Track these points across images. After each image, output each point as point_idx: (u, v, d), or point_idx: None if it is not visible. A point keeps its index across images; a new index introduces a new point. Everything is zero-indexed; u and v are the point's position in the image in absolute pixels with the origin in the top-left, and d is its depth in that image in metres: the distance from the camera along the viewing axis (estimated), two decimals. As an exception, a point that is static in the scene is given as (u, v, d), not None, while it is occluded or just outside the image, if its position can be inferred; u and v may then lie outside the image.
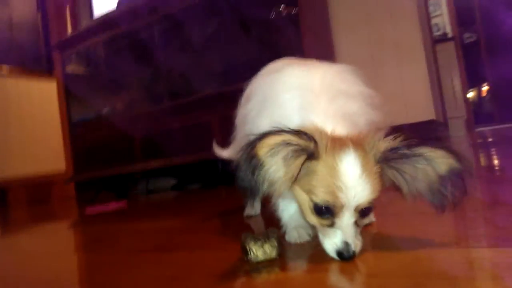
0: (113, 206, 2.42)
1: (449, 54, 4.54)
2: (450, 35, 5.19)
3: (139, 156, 3.21)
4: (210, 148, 1.31)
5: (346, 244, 0.63)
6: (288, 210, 0.85)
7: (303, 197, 0.68)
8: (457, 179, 0.62)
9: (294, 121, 0.71)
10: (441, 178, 0.63)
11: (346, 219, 0.64)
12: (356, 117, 0.73)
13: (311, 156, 0.63)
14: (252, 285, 0.63)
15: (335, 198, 0.62)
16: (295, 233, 0.80)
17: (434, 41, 3.95)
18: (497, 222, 0.79)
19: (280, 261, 0.71)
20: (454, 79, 4.50)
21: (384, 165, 0.65)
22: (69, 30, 4.04)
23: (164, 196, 2.90)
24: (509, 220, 0.78)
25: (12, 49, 4.75)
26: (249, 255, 0.71)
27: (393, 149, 0.64)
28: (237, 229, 1.13)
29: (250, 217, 1.24)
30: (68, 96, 3.72)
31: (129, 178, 3.61)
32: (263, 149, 0.62)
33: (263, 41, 2.80)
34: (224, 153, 1.28)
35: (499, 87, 6.05)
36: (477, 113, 5.98)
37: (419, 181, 0.64)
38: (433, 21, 4.95)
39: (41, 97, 4.74)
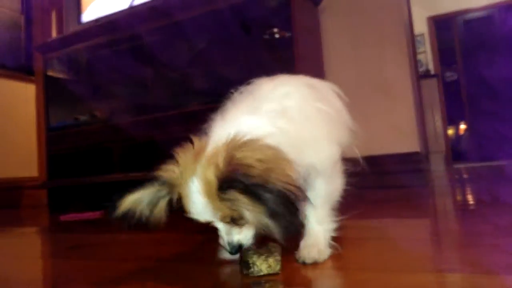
0: (88, 215, 2.33)
1: (431, 90, 4.67)
2: (432, 72, 5.36)
3: (118, 167, 3.11)
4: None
5: (228, 243, 0.73)
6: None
7: None
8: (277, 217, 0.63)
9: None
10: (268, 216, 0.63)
11: (220, 228, 0.73)
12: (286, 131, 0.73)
13: (172, 188, 0.74)
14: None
15: (197, 217, 0.72)
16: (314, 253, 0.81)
17: (419, 77, 4.06)
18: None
19: (282, 275, 0.71)
20: (435, 115, 4.62)
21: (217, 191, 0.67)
22: (54, 33, 3.95)
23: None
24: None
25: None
26: (251, 269, 0.70)
27: (222, 181, 0.66)
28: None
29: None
30: (48, 100, 3.61)
31: (106, 188, 3.49)
32: (124, 207, 0.74)
33: (254, 60, 2.81)
34: None
35: (476, 126, 6.25)
36: (454, 150, 6.14)
37: (246, 218, 0.67)
38: (417, 57, 5.10)
39: (17, 98, 4.59)
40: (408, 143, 2.63)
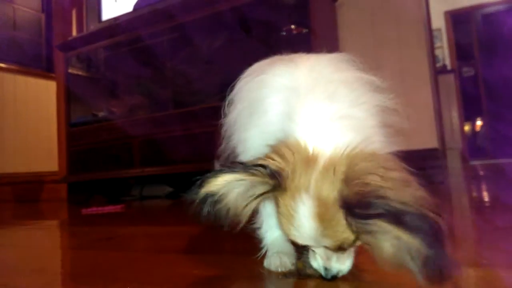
0: (109, 208, 2.39)
1: (448, 86, 4.62)
2: (449, 67, 5.30)
3: (137, 162, 3.16)
4: (209, 159, 1.27)
5: (325, 269, 0.61)
6: (272, 232, 0.78)
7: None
8: (430, 263, 0.46)
9: (278, 130, 0.63)
10: (412, 255, 0.47)
11: (319, 252, 0.60)
12: (356, 113, 0.62)
13: (277, 186, 0.56)
14: None
15: (296, 240, 0.58)
16: (277, 260, 0.72)
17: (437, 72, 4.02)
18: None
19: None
20: (452, 111, 4.58)
21: (346, 216, 0.52)
22: (74, 32, 4.03)
23: (160, 203, 2.85)
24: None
25: (13, 47, 4.73)
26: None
27: (351, 205, 0.50)
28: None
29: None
30: (68, 96, 3.68)
31: (123, 183, 3.55)
32: (214, 187, 0.56)
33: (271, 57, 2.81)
34: (217, 165, 1.25)
35: (494, 122, 6.14)
36: (470, 147, 6.05)
37: (383, 250, 0.50)
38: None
39: (38, 95, 4.69)
40: (427, 139, 2.62)
